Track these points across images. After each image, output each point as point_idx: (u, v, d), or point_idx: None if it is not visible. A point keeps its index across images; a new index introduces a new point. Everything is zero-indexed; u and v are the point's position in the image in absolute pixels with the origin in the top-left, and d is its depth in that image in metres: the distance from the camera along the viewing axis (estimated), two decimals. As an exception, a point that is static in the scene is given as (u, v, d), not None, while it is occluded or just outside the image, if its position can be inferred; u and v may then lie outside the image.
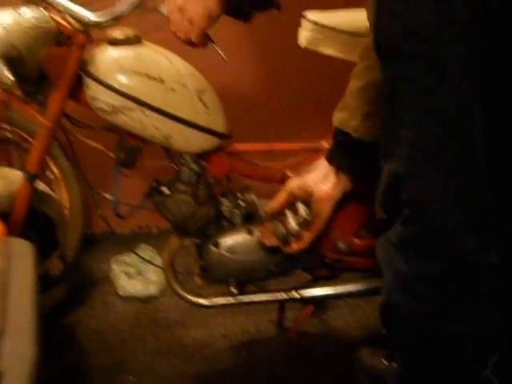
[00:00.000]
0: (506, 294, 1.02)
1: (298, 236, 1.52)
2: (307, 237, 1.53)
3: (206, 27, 1.33)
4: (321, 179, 1.47)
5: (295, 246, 1.55)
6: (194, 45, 1.39)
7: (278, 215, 1.55)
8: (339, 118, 1.44)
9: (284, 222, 1.53)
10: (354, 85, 1.42)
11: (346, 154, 1.45)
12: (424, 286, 1.01)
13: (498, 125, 0.95)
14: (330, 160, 1.47)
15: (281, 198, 1.55)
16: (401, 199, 0.99)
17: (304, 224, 1.50)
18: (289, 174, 1.67)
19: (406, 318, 1.06)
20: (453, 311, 1.01)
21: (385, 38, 0.95)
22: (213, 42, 1.43)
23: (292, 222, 1.51)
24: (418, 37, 0.89)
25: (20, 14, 1.47)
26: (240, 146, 1.71)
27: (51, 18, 1.51)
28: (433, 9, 0.87)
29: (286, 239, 1.54)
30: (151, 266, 2.19)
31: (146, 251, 2.27)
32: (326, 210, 1.49)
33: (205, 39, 1.40)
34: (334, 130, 1.46)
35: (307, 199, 1.49)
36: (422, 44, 0.90)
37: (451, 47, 0.89)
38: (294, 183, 1.52)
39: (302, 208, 1.50)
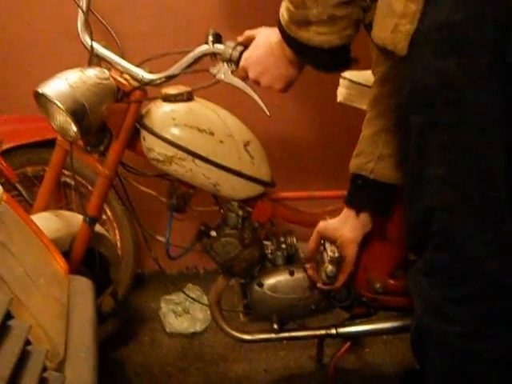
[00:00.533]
0: None
1: (332, 276, 1.61)
2: (340, 277, 1.62)
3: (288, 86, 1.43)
4: (342, 225, 1.57)
5: (332, 286, 1.64)
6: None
7: (315, 257, 1.66)
8: (356, 163, 1.55)
9: (319, 264, 1.63)
10: (367, 132, 1.54)
11: (365, 196, 1.55)
12: (453, 307, 1.07)
13: None
14: (350, 204, 1.57)
15: (313, 240, 1.65)
16: (430, 231, 1.07)
17: (335, 263, 1.59)
18: (328, 219, 1.77)
19: (437, 341, 1.11)
20: (482, 331, 1.07)
21: (420, 88, 1.04)
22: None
23: (326, 263, 1.60)
24: (449, 86, 0.99)
25: (85, 73, 1.61)
26: (283, 193, 1.82)
27: (111, 76, 1.65)
28: (460, 63, 0.97)
29: (323, 279, 1.63)
30: (198, 305, 2.31)
31: (194, 291, 2.38)
32: (351, 252, 1.58)
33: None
34: (351, 176, 1.57)
35: (334, 241, 1.60)
36: (453, 92, 0.99)
37: (477, 94, 0.97)
38: (321, 226, 1.62)
39: (330, 249, 1.59)
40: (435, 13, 0.98)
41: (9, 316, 1.03)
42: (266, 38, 1.41)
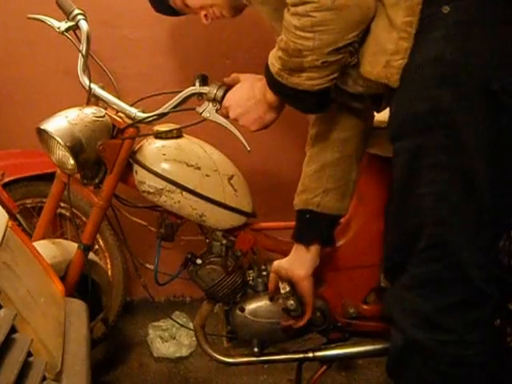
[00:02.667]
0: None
1: (294, 309, 1.69)
2: (307, 311, 1.70)
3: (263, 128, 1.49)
4: (291, 264, 1.65)
5: (298, 322, 1.73)
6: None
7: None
8: (302, 199, 1.63)
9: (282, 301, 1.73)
10: (310, 169, 1.63)
11: (313, 229, 1.62)
12: (443, 316, 1.15)
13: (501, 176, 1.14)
14: (299, 240, 1.64)
15: (270, 281, 1.74)
16: (417, 247, 1.15)
17: (290, 297, 1.68)
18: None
19: (426, 352, 1.18)
20: (470, 338, 1.15)
21: (411, 115, 1.14)
22: None
23: (283, 300, 1.70)
24: (441, 111, 1.09)
25: (83, 111, 1.72)
26: (264, 224, 1.91)
27: (107, 114, 1.75)
28: (449, 90, 1.08)
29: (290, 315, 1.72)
30: (184, 331, 2.39)
31: (180, 317, 2.47)
32: (306, 289, 1.66)
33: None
34: (297, 213, 1.64)
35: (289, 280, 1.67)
36: (444, 116, 1.09)
37: (467, 117, 1.08)
38: (275, 266, 1.69)
39: (281, 286, 1.68)
40: (426, 50, 1.09)
41: (13, 330, 1.12)
42: (249, 82, 1.47)
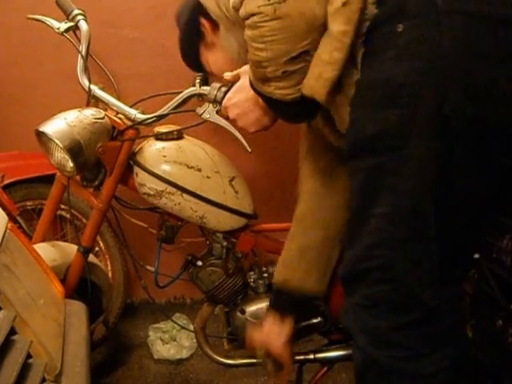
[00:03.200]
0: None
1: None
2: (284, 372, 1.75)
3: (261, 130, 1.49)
4: (269, 334, 1.68)
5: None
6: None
7: None
8: (281, 276, 1.67)
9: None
10: (293, 247, 1.65)
11: (289, 308, 1.67)
12: (396, 334, 1.15)
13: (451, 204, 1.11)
14: (275, 309, 1.68)
15: (248, 345, 1.76)
16: (369, 267, 1.15)
17: (267, 362, 1.73)
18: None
19: (383, 368, 1.16)
20: (423, 351, 1.15)
21: (363, 137, 1.11)
22: None
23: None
24: (390, 134, 1.06)
25: (82, 113, 1.72)
26: (265, 225, 1.90)
27: (107, 116, 1.75)
28: (397, 112, 1.04)
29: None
30: (184, 333, 2.39)
31: (181, 319, 2.47)
32: (285, 356, 1.69)
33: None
34: (275, 287, 1.69)
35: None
36: (393, 139, 1.06)
37: (417, 141, 1.04)
38: (251, 338, 1.72)
39: (259, 354, 1.73)
40: (378, 70, 1.06)
41: (13, 331, 1.13)
42: (247, 82, 1.39)
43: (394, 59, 1.04)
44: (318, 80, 1.13)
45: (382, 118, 1.07)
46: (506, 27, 0.98)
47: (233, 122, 1.53)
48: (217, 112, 1.62)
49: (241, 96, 1.47)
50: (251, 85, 1.29)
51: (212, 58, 1.74)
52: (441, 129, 1.02)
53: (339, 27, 1.08)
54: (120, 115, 1.77)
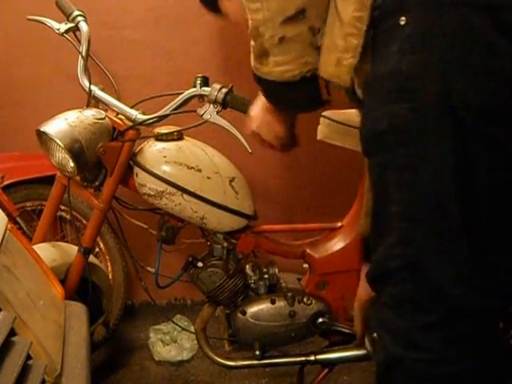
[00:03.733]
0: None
1: None
2: None
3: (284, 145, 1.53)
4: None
5: None
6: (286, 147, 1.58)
7: None
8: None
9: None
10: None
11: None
12: (421, 335, 1.13)
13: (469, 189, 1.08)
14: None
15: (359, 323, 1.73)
16: (392, 266, 1.13)
17: None
18: (308, 250, 1.87)
19: (407, 370, 1.15)
20: (449, 355, 1.12)
21: (372, 132, 1.11)
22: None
23: None
24: (399, 129, 1.05)
25: (83, 113, 1.72)
26: (265, 226, 1.90)
27: (108, 117, 1.75)
28: (409, 107, 1.03)
29: None
30: (185, 334, 2.39)
31: (181, 321, 2.45)
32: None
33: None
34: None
35: None
36: (403, 135, 1.05)
37: (427, 135, 1.03)
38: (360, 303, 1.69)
39: None
40: (384, 63, 1.05)
41: (12, 333, 1.12)
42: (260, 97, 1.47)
43: (398, 53, 1.03)
44: (339, 66, 1.12)
45: (392, 113, 1.06)
46: (507, 14, 0.97)
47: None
48: (217, 113, 1.62)
49: (259, 107, 1.47)
50: (254, 76, 1.27)
51: (231, 7, 1.73)
52: (450, 120, 1.01)
53: (353, 13, 1.07)
54: (120, 116, 1.77)
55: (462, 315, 1.12)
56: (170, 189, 1.72)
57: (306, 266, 1.90)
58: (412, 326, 1.14)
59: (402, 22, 1.02)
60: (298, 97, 1.26)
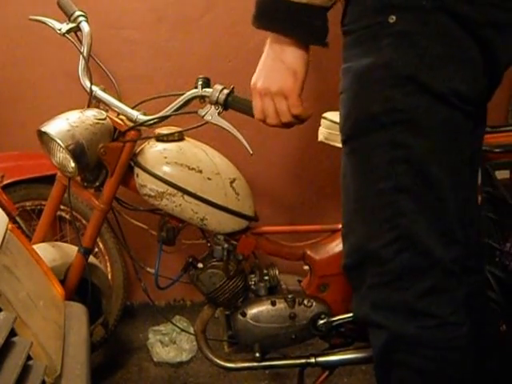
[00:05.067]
0: None
1: None
2: None
3: (300, 92, 1.21)
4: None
5: None
6: (289, 125, 1.27)
7: None
8: None
9: None
10: None
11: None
12: (423, 302, 1.19)
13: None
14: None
15: None
16: (385, 241, 1.19)
17: None
18: (308, 252, 1.87)
19: (413, 344, 1.21)
20: (452, 320, 1.20)
21: (364, 114, 1.16)
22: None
23: None
24: (393, 109, 1.13)
25: (84, 114, 1.72)
26: (265, 228, 1.90)
27: (108, 117, 1.75)
28: (401, 91, 1.12)
29: None
30: (184, 336, 2.38)
31: (181, 322, 2.46)
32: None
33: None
34: None
35: None
36: (397, 113, 1.13)
37: (418, 113, 1.12)
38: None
39: None
40: (375, 56, 1.13)
41: (13, 333, 1.12)
42: (263, 59, 1.22)
43: (391, 46, 1.11)
44: None
45: (388, 97, 1.13)
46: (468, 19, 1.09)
47: (264, 98, 1.23)
48: (218, 114, 1.61)
49: (261, 67, 1.22)
50: (261, 14, 1.15)
51: None
52: (442, 102, 1.13)
53: None
54: (121, 116, 1.77)
55: (456, 280, 1.21)
56: (171, 189, 1.72)
57: (306, 267, 1.90)
58: (412, 295, 1.20)
59: (392, 21, 1.11)
60: (322, 26, 1.15)
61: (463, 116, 1.17)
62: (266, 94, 1.21)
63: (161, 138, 1.79)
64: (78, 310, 1.55)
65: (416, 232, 1.18)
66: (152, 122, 1.72)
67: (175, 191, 1.73)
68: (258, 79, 1.21)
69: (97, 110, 1.77)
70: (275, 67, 1.18)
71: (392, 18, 1.10)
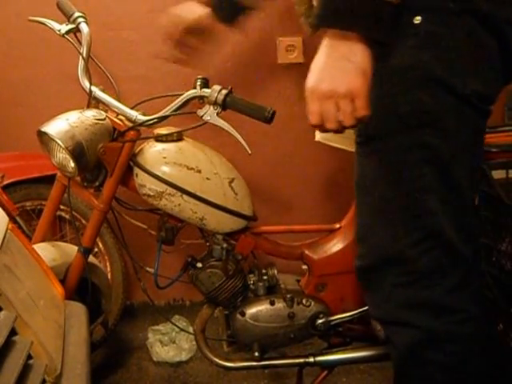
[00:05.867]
0: None
1: None
2: None
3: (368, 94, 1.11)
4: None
5: None
6: (342, 130, 1.16)
7: None
8: None
9: None
10: None
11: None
12: (451, 297, 1.22)
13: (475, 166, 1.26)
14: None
15: None
16: (413, 240, 1.21)
17: None
18: (306, 252, 1.88)
19: (444, 338, 1.23)
20: (475, 313, 1.23)
21: (391, 115, 1.17)
22: None
23: None
24: (422, 112, 1.15)
25: (84, 114, 1.73)
26: (264, 227, 1.90)
27: (108, 117, 1.75)
28: (428, 92, 1.13)
29: None
30: (184, 335, 2.39)
31: (180, 321, 2.46)
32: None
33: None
34: None
35: None
36: (425, 115, 1.15)
37: (445, 116, 1.15)
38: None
39: None
40: (401, 56, 1.13)
41: (13, 332, 1.12)
42: (316, 60, 1.13)
43: (416, 47, 1.12)
44: None
45: (415, 99, 1.15)
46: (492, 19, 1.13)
47: (325, 103, 1.12)
48: (217, 114, 1.62)
49: (321, 68, 1.12)
50: (338, 17, 1.08)
51: None
52: (465, 103, 1.16)
53: None
54: (121, 116, 1.78)
55: (474, 274, 1.26)
56: (170, 189, 1.73)
57: (304, 267, 1.91)
58: (440, 292, 1.22)
59: (417, 22, 1.11)
60: (394, 22, 1.10)
61: (481, 116, 1.20)
62: (332, 96, 1.09)
63: (160, 138, 1.79)
64: (78, 310, 1.55)
65: (443, 231, 1.20)
66: (151, 122, 1.73)
67: (174, 191, 1.73)
68: (321, 81, 1.10)
69: (96, 110, 1.77)
70: (342, 67, 1.08)
71: (417, 19, 1.11)
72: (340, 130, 1.15)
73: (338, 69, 1.09)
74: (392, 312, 1.27)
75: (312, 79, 1.12)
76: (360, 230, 1.31)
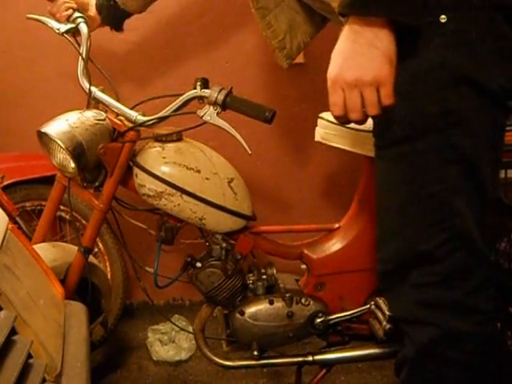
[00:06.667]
0: None
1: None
2: None
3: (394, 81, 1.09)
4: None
5: None
6: (364, 121, 1.13)
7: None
8: None
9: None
10: None
11: None
12: (472, 299, 1.22)
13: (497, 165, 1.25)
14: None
15: None
16: (438, 241, 1.20)
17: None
18: (305, 251, 1.88)
19: (465, 338, 1.23)
20: (492, 314, 1.24)
21: (418, 116, 1.16)
22: None
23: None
24: (450, 112, 1.14)
25: (83, 114, 1.73)
26: (263, 227, 1.91)
27: (108, 118, 1.76)
28: (455, 91, 1.13)
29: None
30: (183, 335, 2.40)
31: (180, 321, 2.47)
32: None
33: None
34: None
35: None
36: (452, 116, 1.14)
37: (471, 115, 1.14)
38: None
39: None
40: (427, 56, 1.13)
41: (13, 332, 1.13)
42: (338, 49, 1.10)
43: (443, 46, 1.12)
44: None
45: (441, 98, 1.14)
46: None
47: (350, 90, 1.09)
48: (217, 114, 1.62)
49: (345, 57, 1.09)
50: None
51: None
52: (491, 103, 1.16)
53: None
54: (120, 117, 1.78)
55: (493, 275, 1.26)
56: (170, 189, 1.73)
57: (303, 266, 1.92)
58: (462, 292, 1.22)
59: (443, 20, 1.11)
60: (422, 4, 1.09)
61: (504, 113, 1.20)
62: (357, 85, 1.06)
63: (159, 139, 1.79)
64: (78, 309, 1.55)
65: (468, 232, 1.20)
66: (151, 122, 1.73)
67: (174, 191, 1.73)
68: (346, 70, 1.06)
69: (96, 110, 1.78)
70: (367, 54, 1.05)
71: (443, 18, 1.10)
72: (363, 120, 1.13)
73: (364, 56, 1.06)
74: (413, 311, 1.27)
75: (335, 68, 1.09)
76: (382, 234, 1.31)
